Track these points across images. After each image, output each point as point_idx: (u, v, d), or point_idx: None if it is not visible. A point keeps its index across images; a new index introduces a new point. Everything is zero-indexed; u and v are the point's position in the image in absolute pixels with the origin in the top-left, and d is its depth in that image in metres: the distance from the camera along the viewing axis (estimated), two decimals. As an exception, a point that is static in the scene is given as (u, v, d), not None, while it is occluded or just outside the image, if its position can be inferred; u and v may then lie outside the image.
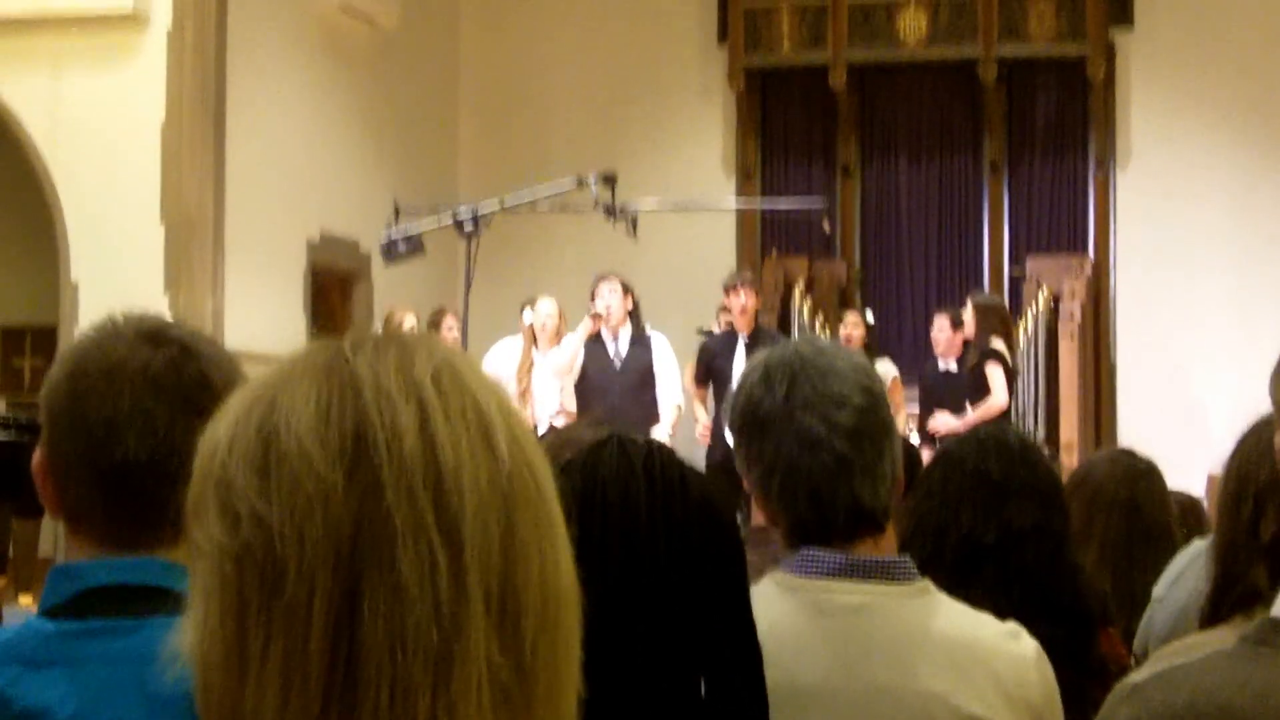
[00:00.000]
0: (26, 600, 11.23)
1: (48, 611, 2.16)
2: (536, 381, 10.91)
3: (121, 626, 2.10)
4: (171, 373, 2.17)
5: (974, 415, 10.63)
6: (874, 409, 2.65)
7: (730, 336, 11.06)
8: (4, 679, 2.08)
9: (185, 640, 1.24)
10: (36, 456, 2.22)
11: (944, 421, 10.95)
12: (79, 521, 2.19)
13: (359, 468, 1.20)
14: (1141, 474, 4.55)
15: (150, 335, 2.21)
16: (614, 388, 10.53)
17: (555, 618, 1.25)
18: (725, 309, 11.42)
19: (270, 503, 1.20)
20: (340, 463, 1.20)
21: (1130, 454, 4.70)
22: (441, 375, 1.25)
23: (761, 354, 2.76)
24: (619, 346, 10.62)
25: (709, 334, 11.72)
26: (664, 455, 2.16)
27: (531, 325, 11.10)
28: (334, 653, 1.18)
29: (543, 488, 1.28)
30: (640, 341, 10.66)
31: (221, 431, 1.25)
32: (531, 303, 11.26)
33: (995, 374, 10.89)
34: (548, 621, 1.25)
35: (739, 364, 9.99)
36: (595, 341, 10.59)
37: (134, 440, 2.14)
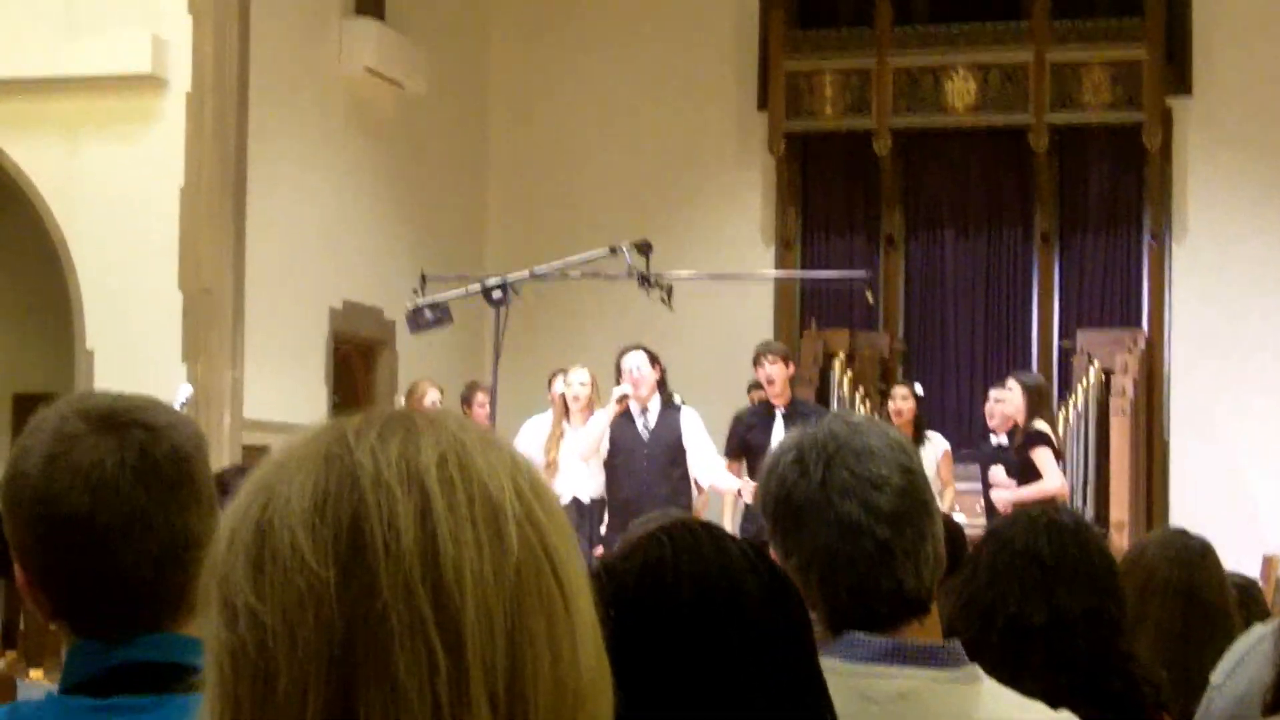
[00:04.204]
0: (37, 675, 11.22)
1: (68, 690, 2.14)
2: (565, 455, 10.59)
3: (143, 704, 2.08)
4: (147, 459, 2.13)
5: (1029, 492, 10.22)
6: (914, 489, 2.60)
7: (766, 408, 10.80)
8: None
9: None
10: (17, 572, 2.18)
11: (1001, 493, 10.53)
12: (81, 620, 2.16)
13: (354, 563, 1.16)
14: (1197, 555, 4.39)
15: (107, 423, 2.15)
16: (642, 463, 10.21)
17: (572, 715, 1.20)
18: (757, 383, 11.14)
19: (263, 599, 1.17)
20: (334, 558, 1.16)
21: (1184, 534, 4.54)
22: (448, 462, 1.20)
23: (794, 434, 2.70)
24: (648, 420, 10.29)
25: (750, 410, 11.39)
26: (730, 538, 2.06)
27: (562, 395, 10.81)
28: None
29: (561, 576, 1.22)
30: (670, 413, 10.34)
31: (226, 522, 1.23)
32: (562, 373, 10.99)
33: (1044, 456, 10.56)
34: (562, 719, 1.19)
35: (776, 437, 9.76)
36: (624, 415, 10.26)
37: (135, 539, 2.11)
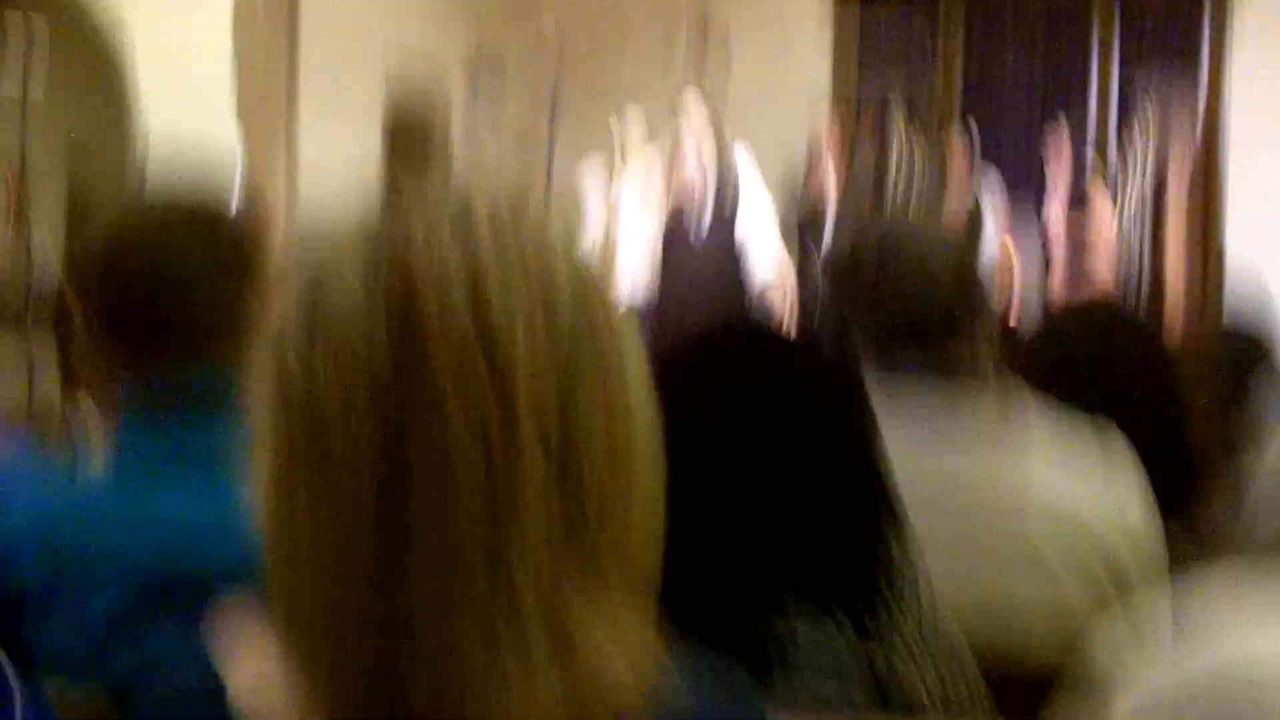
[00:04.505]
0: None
1: (121, 417, 2.27)
2: (623, 197, 10.55)
3: (189, 420, 2.17)
4: (210, 238, 2.24)
5: (1081, 230, 10.25)
6: (966, 281, 2.71)
7: (821, 203, 10.63)
8: (71, 504, 2.21)
9: (249, 487, 1.25)
10: (77, 312, 2.33)
11: (1055, 218, 10.51)
12: (134, 351, 2.27)
13: (406, 318, 1.17)
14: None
15: (183, 205, 2.31)
16: (699, 259, 10.11)
17: (623, 466, 1.23)
18: (811, 179, 11.00)
19: (316, 359, 1.19)
20: (385, 313, 1.18)
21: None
22: (500, 218, 1.22)
23: (852, 226, 2.75)
24: (702, 159, 10.19)
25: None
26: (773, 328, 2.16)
27: (621, 139, 10.82)
28: (383, 512, 1.16)
29: (611, 324, 1.24)
30: (725, 155, 10.22)
31: (278, 289, 1.20)
32: (617, 123, 11.00)
33: (1099, 196, 10.54)
34: (615, 468, 1.22)
35: (832, 198, 10.10)
36: (678, 156, 10.18)
37: (195, 287, 2.21)
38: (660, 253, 10.27)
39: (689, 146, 10.12)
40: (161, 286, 2.26)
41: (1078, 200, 10.59)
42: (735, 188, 10.22)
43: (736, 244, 10.17)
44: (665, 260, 10.25)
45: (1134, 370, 3.36)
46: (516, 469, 1.16)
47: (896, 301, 2.67)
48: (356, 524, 1.16)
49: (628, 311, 1.28)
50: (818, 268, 8.55)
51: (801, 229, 10.47)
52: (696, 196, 10.16)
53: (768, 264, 10.23)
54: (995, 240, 11.12)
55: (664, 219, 10.20)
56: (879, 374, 2.70)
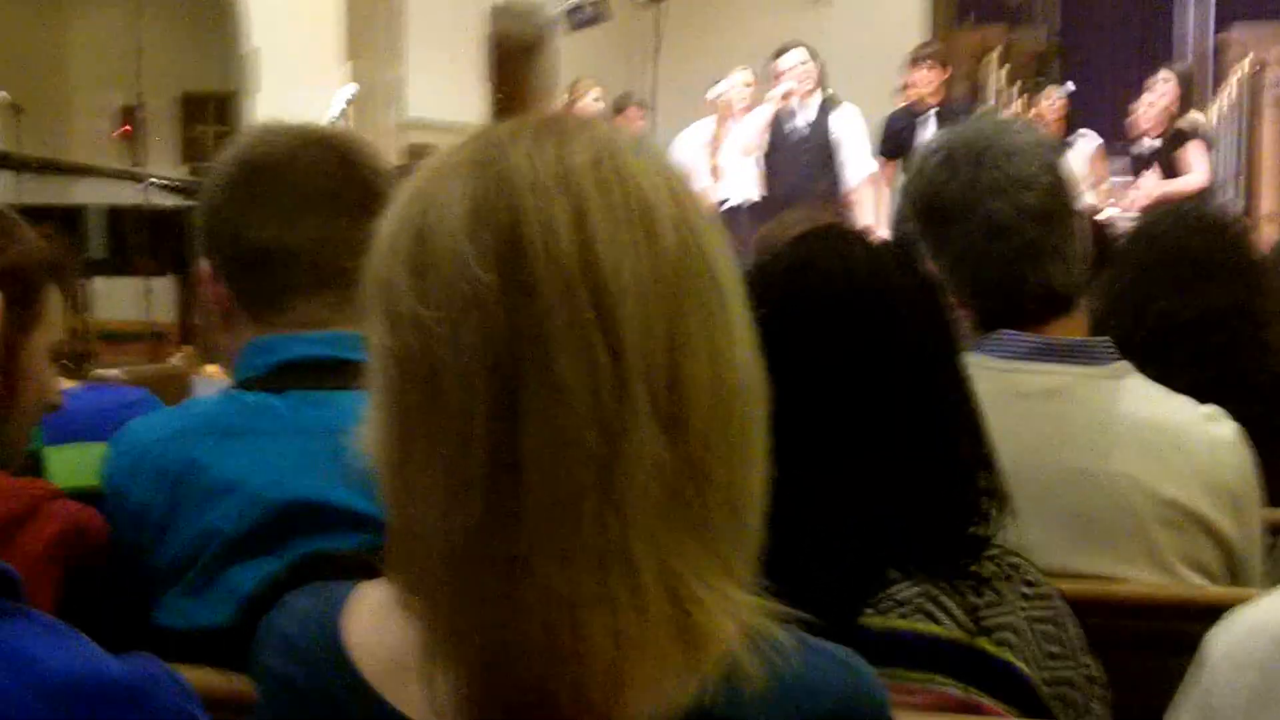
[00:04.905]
0: (213, 369, 11.41)
1: (243, 383, 2.24)
2: (726, 156, 10.65)
3: (316, 399, 2.17)
4: (341, 167, 2.25)
5: (1174, 186, 10.23)
6: (1061, 188, 2.62)
7: (919, 109, 10.72)
8: (202, 447, 2.17)
9: (363, 436, 1.25)
10: (202, 266, 2.30)
11: (1144, 191, 10.52)
12: (255, 313, 2.27)
13: (514, 266, 1.17)
14: None
15: (311, 138, 2.29)
16: (800, 158, 10.26)
17: (729, 411, 1.21)
18: (909, 85, 11.01)
19: (426, 304, 1.18)
20: (494, 262, 1.17)
21: None
22: (602, 163, 1.21)
23: (942, 134, 2.73)
24: (807, 115, 10.33)
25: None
26: (867, 241, 2.05)
27: (723, 97, 10.81)
28: (494, 456, 1.16)
29: (717, 277, 1.23)
30: (828, 109, 10.35)
31: (384, 230, 1.24)
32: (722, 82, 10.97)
33: (1194, 151, 10.50)
34: (720, 416, 1.20)
35: (927, 138, 9.66)
36: (782, 112, 10.32)
37: (313, 222, 2.21)
38: (763, 150, 10.37)
39: (789, 87, 10.20)
40: (294, 222, 2.24)
41: (1171, 163, 10.54)
42: (834, 113, 10.32)
43: (832, 145, 10.28)
44: (769, 154, 10.36)
45: (1221, 268, 3.34)
46: (624, 411, 1.16)
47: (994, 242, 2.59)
48: (469, 467, 1.16)
49: (729, 255, 1.26)
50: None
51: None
52: (796, 105, 10.29)
53: (861, 167, 10.35)
54: (1097, 195, 11.11)
55: (767, 123, 10.29)
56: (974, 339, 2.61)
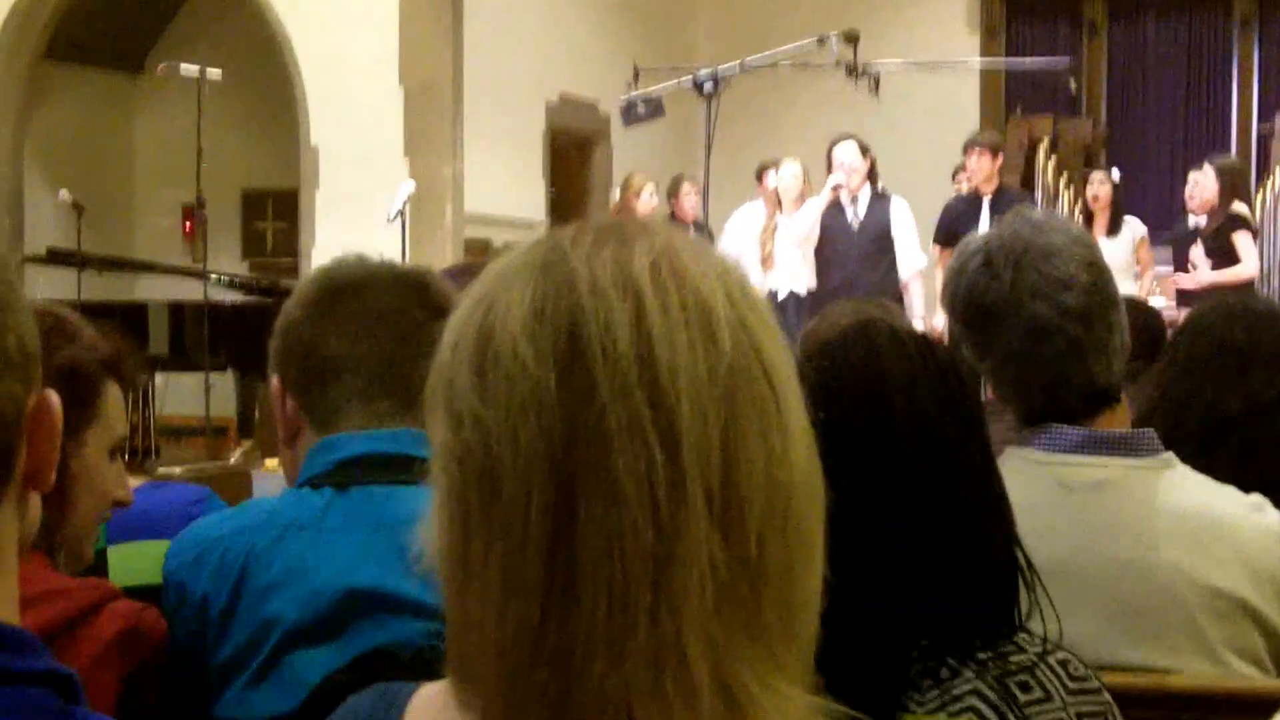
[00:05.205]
0: (272, 464, 11.47)
1: (308, 481, 2.28)
2: (779, 247, 10.72)
3: (378, 493, 2.22)
4: (415, 291, 2.33)
5: (1222, 276, 10.28)
6: (1100, 284, 2.66)
7: (974, 197, 10.84)
8: (265, 541, 2.22)
9: (426, 532, 1.26)
10: (274, 381, 2.35)
11: (1191, 277, 10.58)
12: (320, 422, 2.32)
13: (573, 367, 1.17)
14: None
15: (387, 265, 2.40)
16: (852, 252, 10.34)
17: (785, 511, 1.20)
18: (963, 169, 11.19)
19: (486, 404, 1.19)
20: (553, 362, 1.17)
21: None
22: (660, 266, 1.21)
23: (979, 237, 2.75)
24: (857, 210, 10.42)
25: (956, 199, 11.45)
26: (912, 335, 2.06)
27: (775, 189, 10.91)
28: (551, 557, 1.16)
29: (773, 376, 1.22)
30: (879, 203, 10.45)
31: (449, 331, 1.26)
32: (774, 165, 11.07)
33: (1243, 240, 10.52)
34: (776, 516, 1.20)
35: (984, 225, 9.80)
36: (834, 205, 10.41)
37: (381, 336, 2.29)
38: (817, 242, 10.45)
39: (839, 180, 10.31)
40: (363, 337, 2.31)
41: (1219, 248, 10.57)
42: (885, 207, 10.40)
43: (883, 238, 10.33)
44: (821, 247, 10.45)
45: (1269, 361, 3.30)
46: (679, 511, 1.16)
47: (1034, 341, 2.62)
48: (525, 564, 1.17)
49: (786, 355, 1.26)
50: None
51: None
52: (846, 198, 10.37)
53: (912, 260, 10.40)
54: (1142, 284, 11.15)
55: (821, 212, 10.38)
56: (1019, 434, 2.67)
